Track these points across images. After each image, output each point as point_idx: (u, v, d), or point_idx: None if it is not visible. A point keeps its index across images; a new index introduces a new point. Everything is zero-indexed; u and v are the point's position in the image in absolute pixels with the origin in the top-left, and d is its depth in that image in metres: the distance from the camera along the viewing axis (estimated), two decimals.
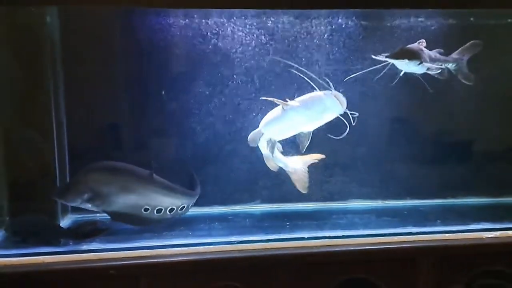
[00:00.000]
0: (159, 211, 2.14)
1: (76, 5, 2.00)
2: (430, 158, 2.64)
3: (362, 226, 2.20)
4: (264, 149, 2.22)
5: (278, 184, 2.46)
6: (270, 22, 2.37)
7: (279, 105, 2.13)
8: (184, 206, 2.22)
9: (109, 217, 2.09)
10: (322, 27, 2.40)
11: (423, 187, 2.59)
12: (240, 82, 2.39)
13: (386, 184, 2.58)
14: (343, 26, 2.40)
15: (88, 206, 2.06)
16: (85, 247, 1.94)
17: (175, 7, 2.21)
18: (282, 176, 2.32)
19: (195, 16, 2.30)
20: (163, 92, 2.35)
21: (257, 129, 2.18)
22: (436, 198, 2.59)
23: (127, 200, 2.08)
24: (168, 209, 2.15)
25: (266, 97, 2.13)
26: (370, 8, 2.19)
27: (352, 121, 2.03)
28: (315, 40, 2.41)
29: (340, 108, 2.05)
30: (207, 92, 2.38)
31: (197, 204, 2.33)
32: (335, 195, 2.54)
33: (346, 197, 2.55)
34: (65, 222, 2.28)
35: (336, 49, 2.42)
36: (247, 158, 2.42)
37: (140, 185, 2.10)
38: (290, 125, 2.14)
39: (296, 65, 2.09)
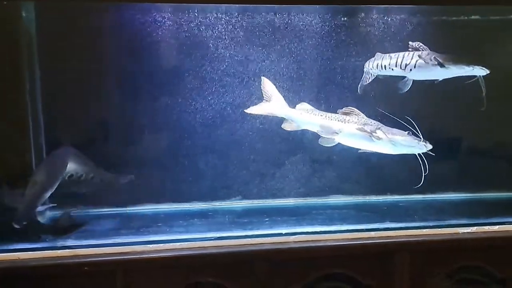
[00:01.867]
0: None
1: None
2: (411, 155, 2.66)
3: (340, 222, 2.22)
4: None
5: (259, 181, 2.50)
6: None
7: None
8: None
9: None
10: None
11: (404, 183, 2.60)
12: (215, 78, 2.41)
13: (366, 180, 2.60)
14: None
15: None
16: (61, 243, 1.94)
17: (166, 2, 2.24)
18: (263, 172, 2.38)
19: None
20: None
21: (331, 136, 2.20)
22: (416, 194, 2.60)
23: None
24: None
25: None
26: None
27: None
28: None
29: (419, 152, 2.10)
30: (184, 88, 2.39)
31: (176, 200, 2.36)
32: (316, 191, 2.56)
33: (327, 193, 2.57)
34: (43, 218, 2.23)
35: None
36: (227, 155, 2.45)
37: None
38: (365, 145, 2.20)
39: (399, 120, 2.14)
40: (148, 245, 1.92)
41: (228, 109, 2.43)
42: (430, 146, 2.08)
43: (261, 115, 2.38)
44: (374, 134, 2.13)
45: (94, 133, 2.41)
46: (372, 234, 2.07)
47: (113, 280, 1.87)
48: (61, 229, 2.00)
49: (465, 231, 2.11)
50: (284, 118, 2.33)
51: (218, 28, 2.37)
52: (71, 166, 2.18)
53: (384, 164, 2.56)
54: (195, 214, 2.35)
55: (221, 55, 2.40)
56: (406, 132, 2.11)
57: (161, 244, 1.94)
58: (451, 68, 2.13)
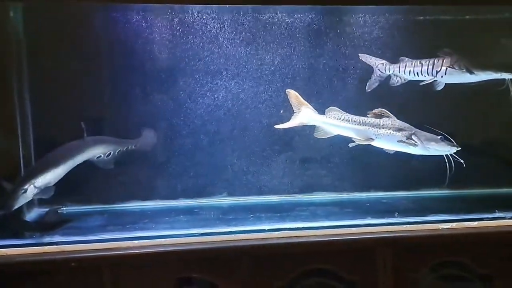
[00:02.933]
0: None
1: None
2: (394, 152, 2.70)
3: (323, 218, 2.25)
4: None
5: (245, 178, 2.54)
6: None
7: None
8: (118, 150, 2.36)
9: None
10: None
11: (388, 180, 2.65)
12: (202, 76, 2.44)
13: (351, 177, 2.64)
14: None
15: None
16: (47, 239, 1.96)
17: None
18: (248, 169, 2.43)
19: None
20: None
21: (366, 142, 2.26)
22: (400, 191, 2.65)
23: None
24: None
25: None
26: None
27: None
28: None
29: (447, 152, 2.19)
30: (168, 87, 2.44)
31: (162, 197, 2.40)
32: (301, 188, 2.60)
33: (312, 189, 2.61)
34: (31, 215, 2.30)
35: None
36: (216, 152, 2.49)
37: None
38: (399, 149, 2.28)
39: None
40: (134, 241, 1.96)
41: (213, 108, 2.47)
42: (458, 148, 2.17)
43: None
44: (410, 140, 2.20)
45: (82, 131, 2.43)
46: (353, 230, 2.10)
47: (100, 275, 1.90)
48: (48, 226, 2.03)
49: (445, 227, 2.15)
50: (316, 126, 2.34)
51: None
52: (96, 150, 2.30)
53: (370, 161, 2.61)
54: (181, 210, 2.38)
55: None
56: (439, 137, 2.19)
57: (147, 240, 1.97)
58: (480, 74, 2.23)
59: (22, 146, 2.26)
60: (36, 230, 2.04)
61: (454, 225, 2.16)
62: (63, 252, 1.90)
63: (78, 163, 2.23)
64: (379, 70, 2.44)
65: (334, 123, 2.29)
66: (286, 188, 2.58)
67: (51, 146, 2.29)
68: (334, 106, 2.34)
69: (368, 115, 2.28)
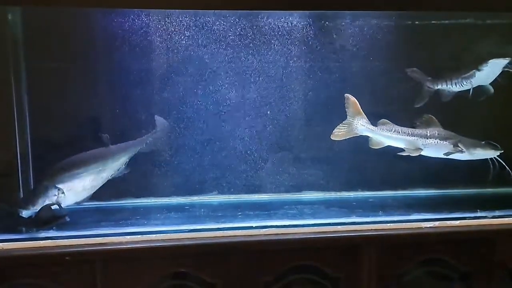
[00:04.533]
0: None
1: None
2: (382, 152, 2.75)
3: (310, 216, 2.31)
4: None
5: (235, 176, 2.61)
6: None
7: None
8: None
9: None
10: None
11: (375, 180, 2.71)
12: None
13: (339, 177, 2.70)
14: None
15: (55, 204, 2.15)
16: (43, 234, 2.03)
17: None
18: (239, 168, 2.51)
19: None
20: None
21: (416, 152, 2.39)
22: (387, 190, 2.71)
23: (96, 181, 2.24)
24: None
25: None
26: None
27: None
28: None
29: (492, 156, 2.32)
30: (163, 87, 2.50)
31: (155, 195, 2.47)
32: (290, 187, 2.67)
33: (300, 188, 2.68)
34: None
35: None
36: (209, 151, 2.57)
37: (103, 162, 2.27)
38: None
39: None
40: (126, 237, 2.02)
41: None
42: (501, 150, 2.29)
43: None
44: (457, 148, 2.31)
45: (76, 130, 2.50)
46: (339, 228, 2.16)
47: (93, 269, 1.96)
48: (43, 221, 2.09)
49: (428, 225, 2.21)
50: (369, 137, 2.42)
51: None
52: (123, 159, 2.35)
53: (359, 161, 2.68)
54: (172, 208, 2.45)
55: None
56: (483, 142, 2.31)
57: (138, 236, 2.03)
58: None
59: (19, 142, 2.33)
60: (32, 225, 2.10)
61: (437, 223, 2.22)
62: (58, 246, 1.96)
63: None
64: (427, 86, 2.53)
65: (386, 135, 2.40)
66: (275, 187, 2.65)
67: (48, 143, 2.39)
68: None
69: (416, 123, 2.41)
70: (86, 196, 2.24)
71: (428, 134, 2.37)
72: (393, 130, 2.39)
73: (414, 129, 2.40)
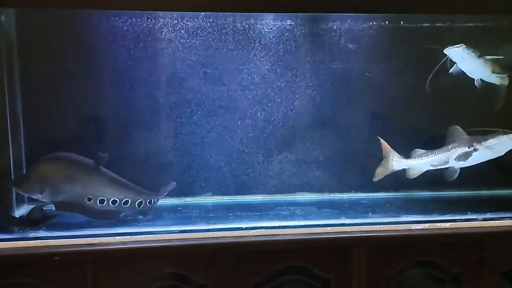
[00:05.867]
0: (101, 201, 2.21)
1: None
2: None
3: (301, 217, 2.32)
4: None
5: (228, 178, 2.63)
6: None
7: None
8: (141, 202, 2.27)
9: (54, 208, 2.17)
10: None
11: (368, 181, 2.70)
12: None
13: (331, 178, 2.71)
14: None
15: (39, 196, 2.16)
16: (32, 234, 2.04)
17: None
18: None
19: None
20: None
21: (446, 162, 2.44)
22: (380, 192, 2.72)
23: (73, 189, 2.17)
24: (111, 200, 2.22)
25: None
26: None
27: None
28: None
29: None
30: (159, 89, 2.53)
31: None
32: (282, 188, 2.68)
33: (293, 190, 2.69)
34: (20, 212, 2.37)
35: None
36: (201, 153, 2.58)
37: (84, 175, 2.19)
38: (472, 161, 2.42)
39: None
40: (116, 237, 2.03)
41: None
42: None
43: None
44: (472, 150, 2.35)
45: (70, 133, 2.53)
46: (329, 229, 2.16)
47: (83, 269, 1.97)
48: (33, 222, 2.10)
49: (418, 227, 2.21)
50: (405, 169, 2.52)
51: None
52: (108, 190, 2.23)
53: (351, 162, 2.68)
54: (165, 209, 2.46)
55: None
56: (495, 132, 2.32)
57: (128, 236, 2.05)
58: None
59: (11, 141, 2.32)
60: (22, 225, 2.11)
61: (427, 225, 2.22)
62: (47, 246, 1.97)
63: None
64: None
65: (419, 163, 2.49)
66: (267, 188, 2.66)
67: (41, 143, 2.41)
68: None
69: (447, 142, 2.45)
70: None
71: (450, 147, 2.42)
72: (423, 156, 2.48)
73: (440, 149, 2.45)
